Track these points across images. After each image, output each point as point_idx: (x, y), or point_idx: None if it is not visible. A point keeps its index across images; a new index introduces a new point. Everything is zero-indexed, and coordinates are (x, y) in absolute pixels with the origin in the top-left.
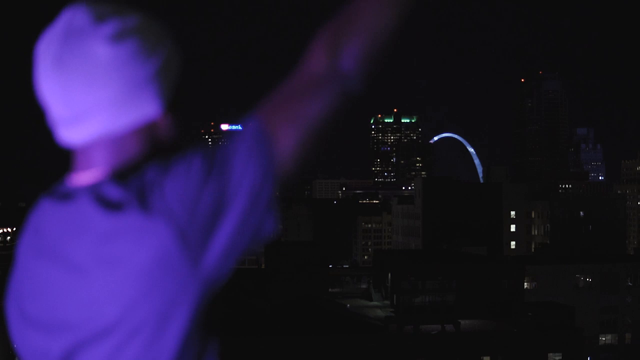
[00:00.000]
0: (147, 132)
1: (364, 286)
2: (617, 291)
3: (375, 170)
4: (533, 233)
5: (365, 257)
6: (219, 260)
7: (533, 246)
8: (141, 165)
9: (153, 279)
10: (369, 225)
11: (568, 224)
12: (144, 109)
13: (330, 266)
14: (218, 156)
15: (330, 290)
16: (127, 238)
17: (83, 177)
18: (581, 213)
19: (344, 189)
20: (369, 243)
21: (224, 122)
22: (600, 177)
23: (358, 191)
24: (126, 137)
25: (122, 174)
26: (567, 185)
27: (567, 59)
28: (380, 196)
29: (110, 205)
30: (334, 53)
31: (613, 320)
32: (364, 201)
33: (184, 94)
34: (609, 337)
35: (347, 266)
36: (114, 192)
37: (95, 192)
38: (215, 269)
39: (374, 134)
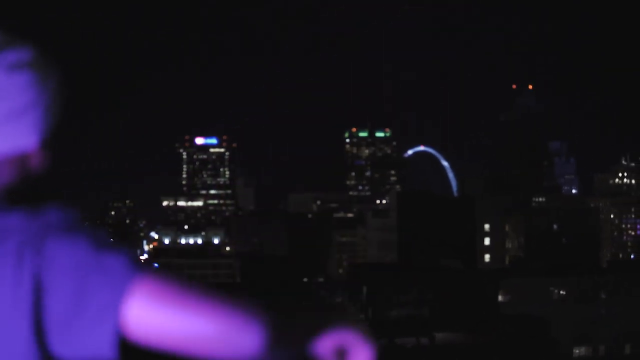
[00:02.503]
0: (19, 163)
1: (339, 300)
2: (591, 303)
3: (350, 183)
4: (507, 246)
5: (340, 271)
6: (26, 346)
7: (507, 259)
8: (6, 199)
9: None
10: (344, 239)
11: (542, 237)
12: (21, 139)
13: (305, 280)
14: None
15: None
16: None
17: None
18: (555, 226)
19: (318, 202)
20: (344, 256)
21: (199, 136)
22: (573, 190)
23: (333, 205)
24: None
25: None
26: (540, 199)
27: (541, 73)
28: (355, 210)
29: None
30: None
31: (587, 333)
32: (339, 215)
33: (62, 133)
34: (583, 349)
35: (322, 280)
36: None
37: None
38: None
39: (349, 147)
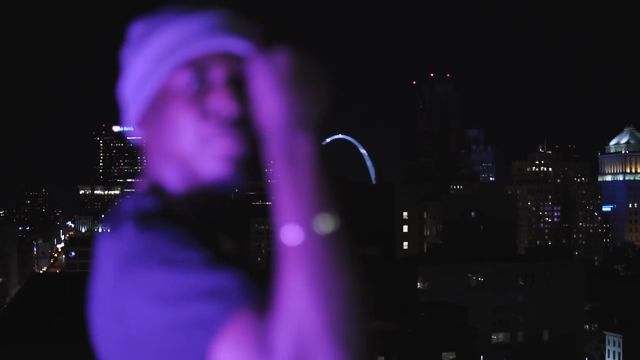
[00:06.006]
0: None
1: None
2: (509, 290)
3: (267, 171)
4: (425, 234)
5: (259, 259)
6: None
7: (425, 247)
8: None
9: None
10: (262, 227)
11: (460, 224)
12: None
13: None
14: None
15: None
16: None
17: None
18: (472, 213)
19: (236, 190)
20: (262, 245)
21: (116, 124)
22: (491, 178)
23: (250, 192)
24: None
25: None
26: (458, 186)
27: (458, 61)
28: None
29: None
30: None
31: (505, 320)
32: (257, 202)
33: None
34: (501, 335)
35: None
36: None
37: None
38: None
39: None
